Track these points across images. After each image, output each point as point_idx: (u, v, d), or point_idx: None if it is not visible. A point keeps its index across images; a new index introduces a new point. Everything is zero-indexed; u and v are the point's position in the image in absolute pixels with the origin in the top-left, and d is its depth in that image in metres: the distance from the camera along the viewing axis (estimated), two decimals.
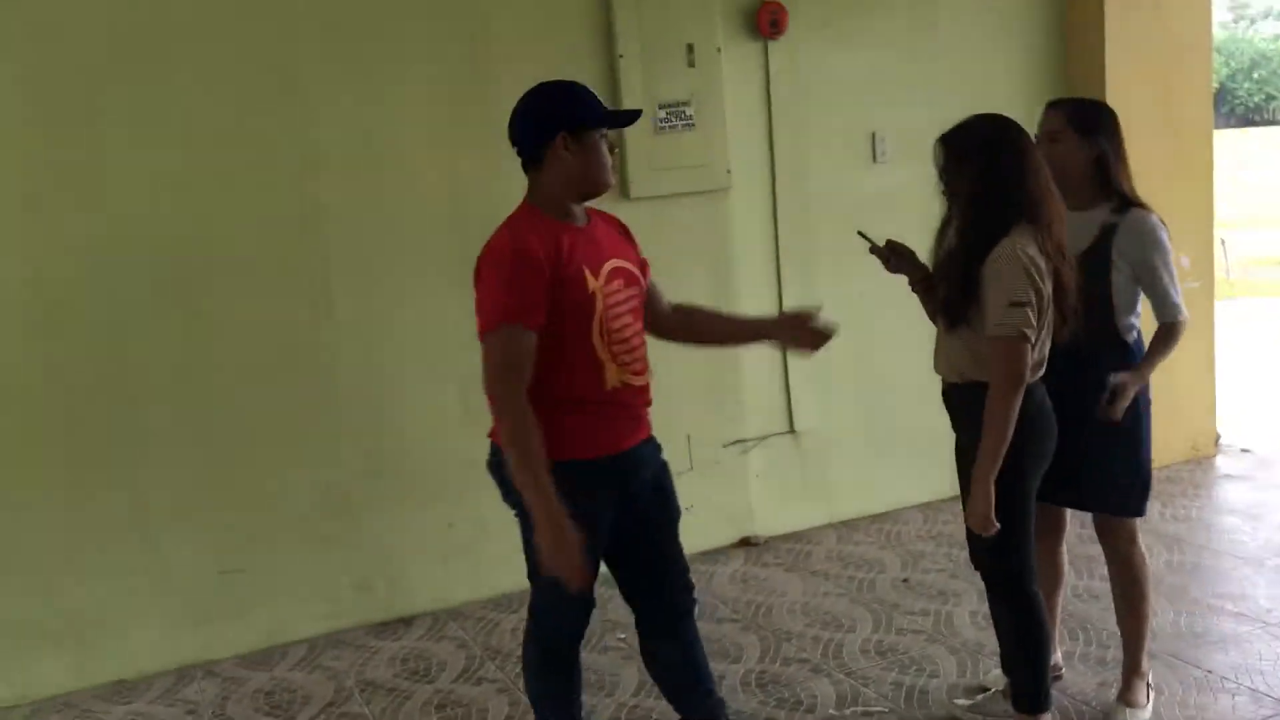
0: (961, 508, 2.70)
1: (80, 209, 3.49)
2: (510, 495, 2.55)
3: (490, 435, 2.64)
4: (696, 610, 2.73)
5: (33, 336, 3.50)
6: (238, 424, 3.72)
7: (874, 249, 2.89)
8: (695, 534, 4.35)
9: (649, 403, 2.61)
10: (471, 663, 3.58)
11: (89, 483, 3.59)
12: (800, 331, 2.69)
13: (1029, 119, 2.85)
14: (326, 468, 3.84)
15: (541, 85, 2.54)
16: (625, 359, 2.50)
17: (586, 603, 2.58)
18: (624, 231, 2.68)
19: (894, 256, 2.89)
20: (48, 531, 3.55)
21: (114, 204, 3.52)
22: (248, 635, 3.78)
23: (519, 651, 3.57)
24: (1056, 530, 3.11)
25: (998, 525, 2.60)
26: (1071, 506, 3.06)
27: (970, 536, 2.72)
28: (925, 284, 2.86)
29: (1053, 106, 2.95)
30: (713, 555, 4.34)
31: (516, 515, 2.58)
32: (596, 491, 2.50)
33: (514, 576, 4.00)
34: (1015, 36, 4.76)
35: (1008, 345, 2.56)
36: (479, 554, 4.03)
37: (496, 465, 2.59)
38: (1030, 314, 2.55)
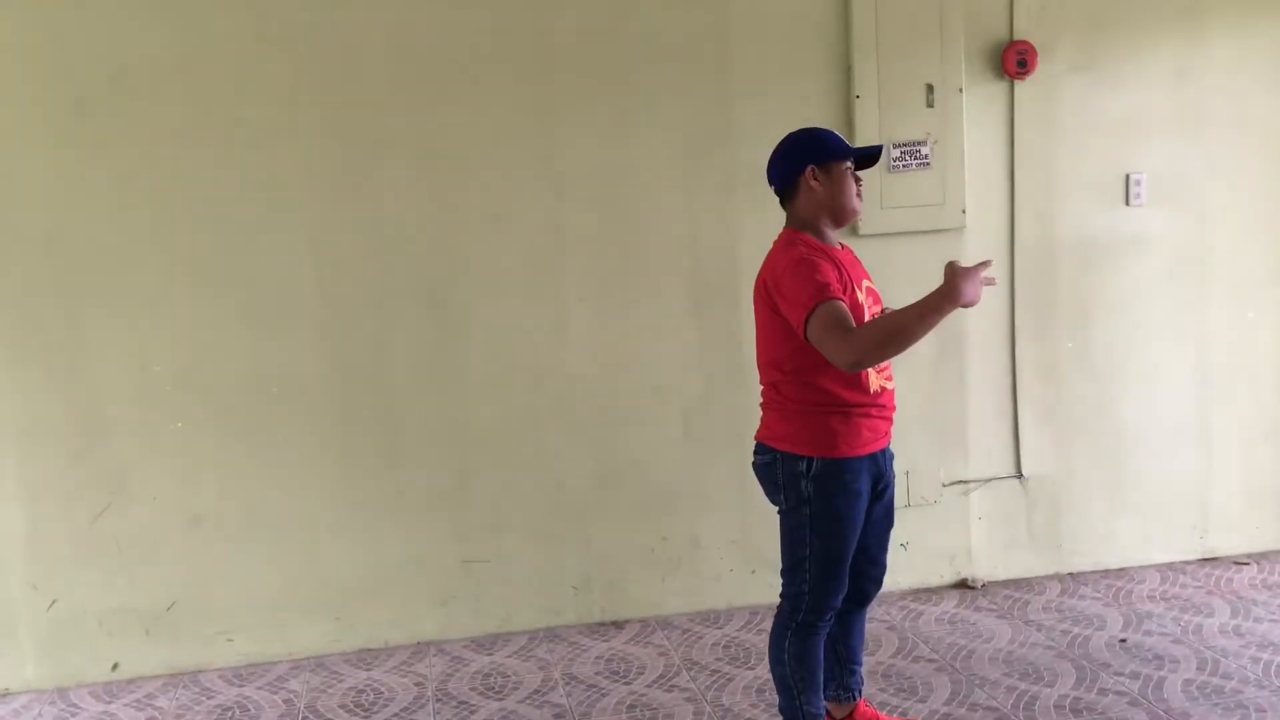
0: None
1: (359, 228, 3.93)
2: (777, 493, 2.86)
3: (757, 437, 2.92)
4: (870, 606, 3.10)
5: (320, 338, 3.95)
6: (483, 425, 4.07)
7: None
8: (909, 571, 4.38)
9: (894, 408, 2.91)
10: (668, 670, 3.76)
11: (358, 469, 4.01)
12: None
13: None
14: (560, 472, 4.13)
15: (792, 132, 2.94)
16: (881, 366, 2.81)
17: (845, 579, 2.89)
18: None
19: None
20: (322, 509, 3.99)
21: (388, 224, 3.94)
22: (478, 621, 4.12)
23: (714, 664, 3.77)
24: None
25: None
26: None
27: None
28: None
29: None
30: (925, 594, 4.32)
31: (780, 512, 2.89)
32: (861, 486, 2.81)
33: (722, 594, 4.23)
34: None
35: None
36: (689, 569, 4.23)
37: (764, 466, 2.88)
38: None
